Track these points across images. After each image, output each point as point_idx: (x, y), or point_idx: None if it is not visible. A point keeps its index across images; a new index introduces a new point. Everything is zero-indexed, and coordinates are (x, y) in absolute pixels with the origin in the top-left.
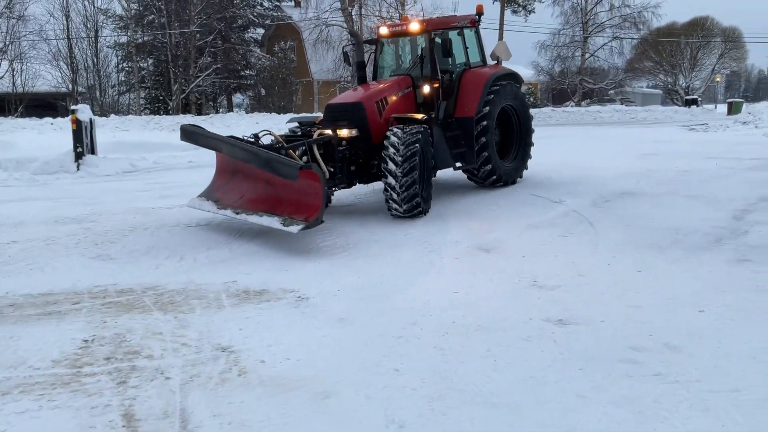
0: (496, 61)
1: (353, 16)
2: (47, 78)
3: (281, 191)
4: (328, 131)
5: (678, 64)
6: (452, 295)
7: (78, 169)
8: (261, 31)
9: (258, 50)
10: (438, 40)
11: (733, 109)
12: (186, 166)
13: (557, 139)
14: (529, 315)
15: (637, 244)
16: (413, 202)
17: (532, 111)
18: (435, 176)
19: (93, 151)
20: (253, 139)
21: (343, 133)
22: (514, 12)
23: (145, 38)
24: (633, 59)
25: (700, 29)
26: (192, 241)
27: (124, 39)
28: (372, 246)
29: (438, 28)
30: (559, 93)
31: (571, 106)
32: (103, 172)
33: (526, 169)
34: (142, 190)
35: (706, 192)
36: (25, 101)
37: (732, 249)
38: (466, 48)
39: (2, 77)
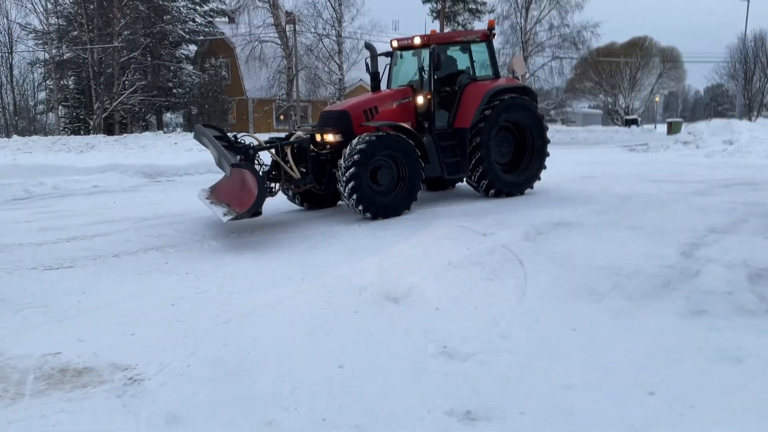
0: (511, 75)
1: (287, 33)
2: None
3: (233, 185)
4: (318, 136)
5: (618, 84)
6: (334, 372)
7: None
8: (194, 47)
9: (190, 67)
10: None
11: (672, 128)
12: (89, 192)
13: None
14: (428, 405)
15: (572, 290)
16: (362, 205)
17: None
18: (423, 179)
19: None
20: (234, 140)
21: (328, 138)
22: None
23: (67, 55)
24: (573, 79)
25: (639, 49)
26: (35, 289)
27: (44, 55)
28: (257, 293)
29: (440, 42)
30: None
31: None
32: None
33: (539, 179)
34: (23, 221)
35: (650, 222)
36: None
37: (683, 296)
38: (472, 61)
39: None
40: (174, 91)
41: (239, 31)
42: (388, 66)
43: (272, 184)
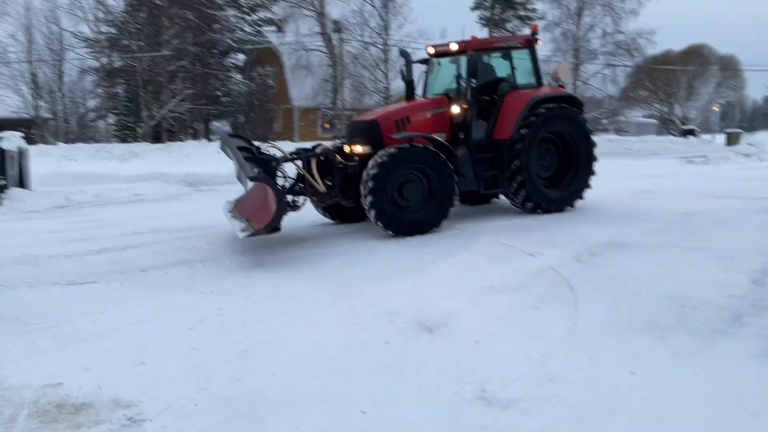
0: (557, 83)
1: (333, 41)
2: (8, 103)
3: (253, 199)
4: (346, 147)
5: (674, 93)
6: (355, 419)
7: (0, 205)
8: (242, 56)
9: (239, 76)
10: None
11: (731, 139)
12: (129, 200)
13: None
14: None
15: (631, 323)
16: (381, 221)
17: None
18: (456, 195)
19: (22, 184)
20: (257, 151)
21: (357, 149)
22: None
23: (118, 63)
24: (627, 88)
25: (696, 57)
26: (52, 307)
27: (95, 63)
28: (281, 317)
29: (478, 48)
30: None
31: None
32: (29, 208)
33: (581, 198)
34: (59, 231)
35: (715, 243)
36: None
37: (757, 333)
38: (513, 69)
39: None
40: (222, 99)
41: (286, 39)
42: (424, 74)
43: (296, 198)
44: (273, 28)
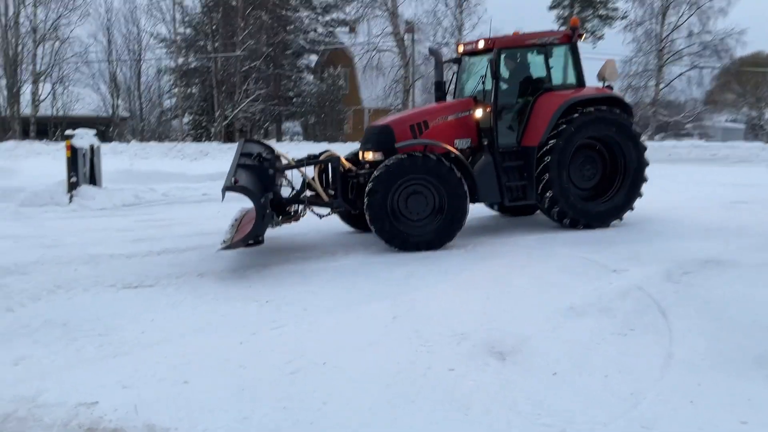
0: (602, 83)
1: (405, 42)
2: (87, 101)
3: (252, 211)
4: (361, 154)
5: (764, 96)
6: None
7: (71, 202)
8: (314, 57)
9: (311, 77)
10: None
11: None
12: (197, 200)
13: None
14: None
15: (735, 357)
16: (383, 237)
17: None
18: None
19: (94, 181)
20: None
21: (368, 156)
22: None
23: (194, 64)
24: (713, 90)
25: None
26: (104, 312)
27: (170, 63)
28: (337, 333)
29: (507, 46)
30: None
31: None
32: (99, 206)
33: (632, 209)
34: (124, 230)
35: None
36: (64, 125)
37: None
38: (549, 68)
39: (44, 99)
40: (293, 100)
41: (358, 40)
42: (455, 74)
43: (299, 207)
44: (345, 28)
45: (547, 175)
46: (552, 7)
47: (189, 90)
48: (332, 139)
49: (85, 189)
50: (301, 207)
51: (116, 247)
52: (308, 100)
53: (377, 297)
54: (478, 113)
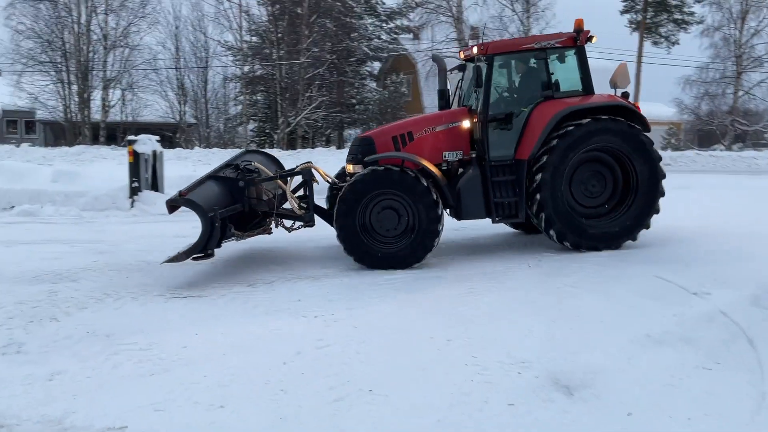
0: (615, 90)
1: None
2: (155, 108)
3: None
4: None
5: None
6: None
7: (132, 207)
8: (378, 64)
9: (373, 84)
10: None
11: None
12: None
13: (700, 191)
14: None
15: None
16: (353, 255)
17: (671, 154)
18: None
19: (156, 187)
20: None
21: (349, 169)
22: (655, 43)
23: (259, 72)
24: None
25: None
26: (148, 324)
27: (236, 71)
28: (387, 356)
29: (501, 51)
30: (705, 135)
31: (720, 151)
32: (159, 211)
33: (647, 228)
34: (183, 236)
35: None
36: (132, 130)
37: None
38: (549, 74)
39: (114, 105)
40: (356, 107)
41: (421, 47)
42: (459, 82)
43: (271, 220)
44: (409, 35)
45: (539, 195)
46: (624, 12)
47: (254, 97)
48: None
49: (146, 194)
50: (271, 220)
51: (170, 253)
52: (371, 107)
53: (431, 316)
54: (466, 124)
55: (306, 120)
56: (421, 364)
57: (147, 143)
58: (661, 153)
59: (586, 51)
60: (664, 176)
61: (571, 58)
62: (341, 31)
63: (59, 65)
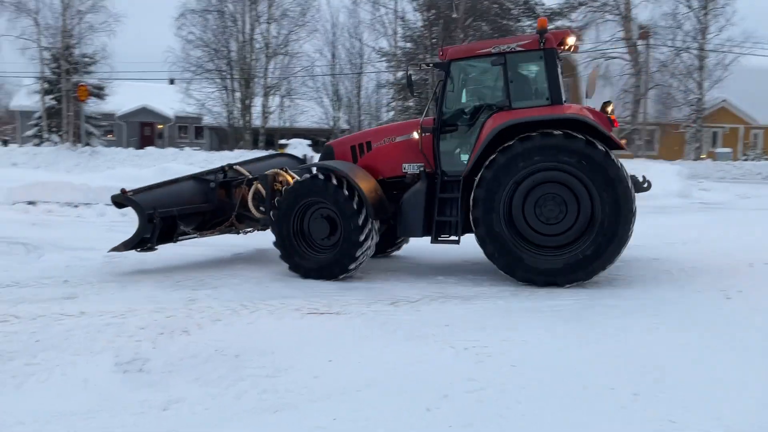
0: (588, 100)
1: (638, 48)
2: (311, 114)
3: None
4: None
5: None
6: None
7: None
8: None
9: None
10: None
11: None
12: None
13: None
14: None
15: None
16: (288, 263)
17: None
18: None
19: None
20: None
21: (288, 178)
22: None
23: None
24: None
25: None
26: (275, 346)
27: (389, 77)
28: (556, 411)
29: (456, 57)
30: None
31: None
32: None
33: (611, 264)
34: None
35: None
36: (289, 135)
37: None
38: (508, 82)
39: (273, 112)
40: None
41: (583, 47)
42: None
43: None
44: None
45: (471, 213)
46: None
47: (405, 103)
48: None
49: None
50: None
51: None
52: None
53: (608, 358)
54: (414, 135)
55: None
56: (600, 426)
57: (298, 147)
58: None
59: (555, 56)
60: (631, 208)
61: (536, 64)
62: (497, 35)
63: (224, 73)
